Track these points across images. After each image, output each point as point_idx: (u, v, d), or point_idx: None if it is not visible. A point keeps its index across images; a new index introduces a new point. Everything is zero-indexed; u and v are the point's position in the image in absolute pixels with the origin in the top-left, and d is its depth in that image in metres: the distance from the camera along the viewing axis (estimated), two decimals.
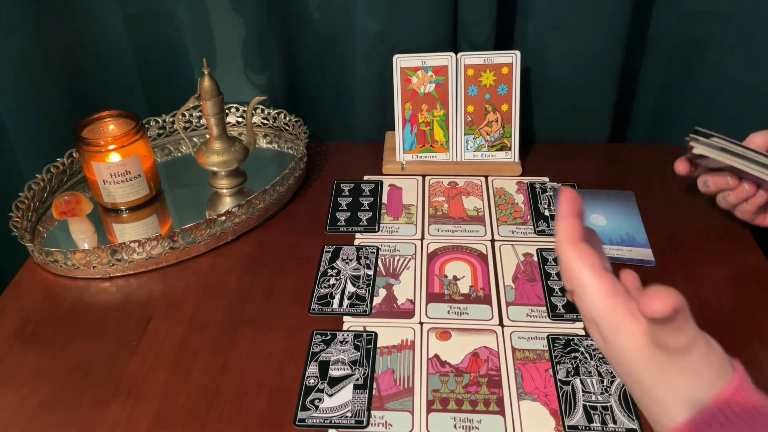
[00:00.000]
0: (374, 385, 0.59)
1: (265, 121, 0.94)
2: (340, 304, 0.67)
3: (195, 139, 0.94)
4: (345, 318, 0.66)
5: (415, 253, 0.73)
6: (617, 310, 0.40)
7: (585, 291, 0.41)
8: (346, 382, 0.59)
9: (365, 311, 0.66)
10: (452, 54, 0.82)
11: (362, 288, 0.69)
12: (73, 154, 0.85)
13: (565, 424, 0.55)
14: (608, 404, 0.56)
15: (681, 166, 0.72)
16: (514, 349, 0.62)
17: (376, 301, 0.67)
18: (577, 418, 0.55)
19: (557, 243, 0.43)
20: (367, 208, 0.81)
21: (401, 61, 0.83)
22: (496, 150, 0.85)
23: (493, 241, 0.75)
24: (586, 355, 0.60)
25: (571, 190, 0.44)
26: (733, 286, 0.67)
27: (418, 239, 0.75)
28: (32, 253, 0.74)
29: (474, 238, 0.75)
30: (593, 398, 0.57)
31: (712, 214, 0.75)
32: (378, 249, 0.74)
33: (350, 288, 0.69)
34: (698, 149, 0.66)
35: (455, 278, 0.70)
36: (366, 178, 0.86)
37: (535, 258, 0.72)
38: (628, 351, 0.40)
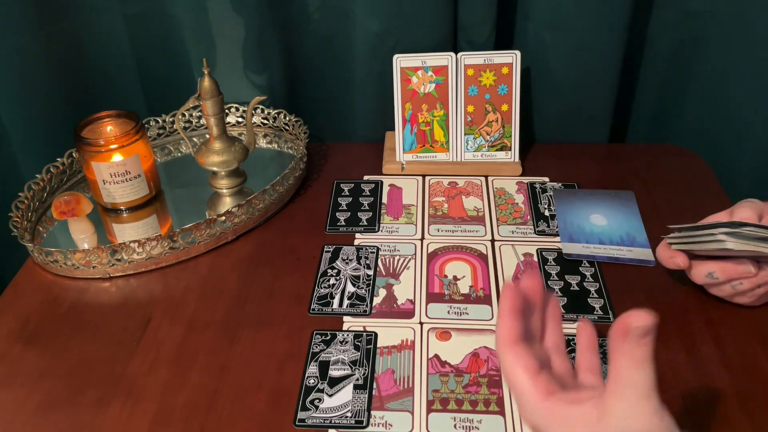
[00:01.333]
0: (374, 385, 0.59)
1: (265, 121, 0.94)
2: (340, 304, 0.67)
3: (195, 139, 0.94)
4: (345, 318, 0.66)
5: (415, 253, 0.73)
6: (558, 407, 0.38)
7: (522, 396, 0.40)
8: (346, 382, 0.59)
9: (365, 311, 0.66)
10: (452, 54, 0.82)
11: (362, 288, 0.69)
12: (73, 154, 0.85)
13: None
14: None
15: (682, 259, 0.62)
16: None
17: (376, 301, 0.67)
18: None
19: (496, 344, 0.41)
20: (367, 208, 0.81)
21: (401, 61, 0.83)
22: (496, 150, 0.85)
23: (493, 241, 0.75)
24: None
25: (513, 286, 0.41)
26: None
27: (418, 239, 0.75)
28: (32, 253, 0.74)
29: (474, 238, 0.75)
30: None
31: (712, 213, 0.75)
32: (378, 249, 0.74)
33: (350, 288, 0.69)
34: (731, 244, 0.55)
35: (455, 278, 0.70)
36: (366, 178, 0.86)
37: (535, 258, 0.72)
38: None
